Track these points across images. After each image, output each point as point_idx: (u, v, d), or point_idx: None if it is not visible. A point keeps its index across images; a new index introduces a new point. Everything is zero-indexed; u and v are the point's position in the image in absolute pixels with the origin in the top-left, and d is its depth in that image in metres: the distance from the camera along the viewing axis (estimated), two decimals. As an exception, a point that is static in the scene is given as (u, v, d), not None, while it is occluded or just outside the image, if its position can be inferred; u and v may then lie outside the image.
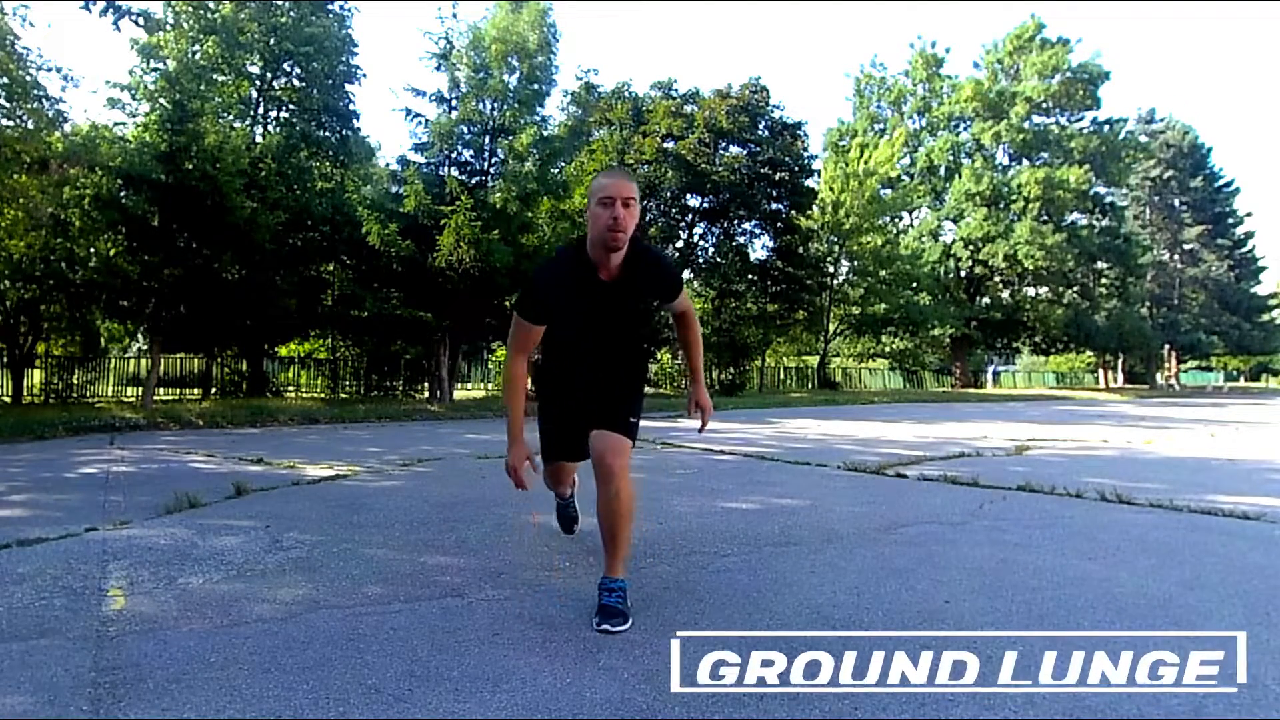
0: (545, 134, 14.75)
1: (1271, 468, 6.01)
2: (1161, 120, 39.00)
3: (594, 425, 2.31)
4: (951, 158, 30.42)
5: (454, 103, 14.69)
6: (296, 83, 16.11)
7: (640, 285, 2.29)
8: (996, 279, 30.39)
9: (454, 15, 17.30)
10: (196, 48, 14.78)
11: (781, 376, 27.44)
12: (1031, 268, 27.81)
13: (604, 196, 2.13)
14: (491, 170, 14.98)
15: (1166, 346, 37.28)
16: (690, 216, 22.74)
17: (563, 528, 3.07)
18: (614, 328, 2.34)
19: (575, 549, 2.99)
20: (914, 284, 27.00)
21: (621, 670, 1.82)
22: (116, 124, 13.96)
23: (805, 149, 23.02)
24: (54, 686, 1.71)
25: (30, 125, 10.69)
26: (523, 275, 13.79)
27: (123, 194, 12.15)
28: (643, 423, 2.41)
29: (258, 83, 15.96)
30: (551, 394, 2.49)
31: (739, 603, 2.34)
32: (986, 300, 31.13)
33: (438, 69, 14.71)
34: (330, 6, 16.20)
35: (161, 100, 13.45)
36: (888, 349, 30.46)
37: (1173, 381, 38.67)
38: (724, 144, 21.75)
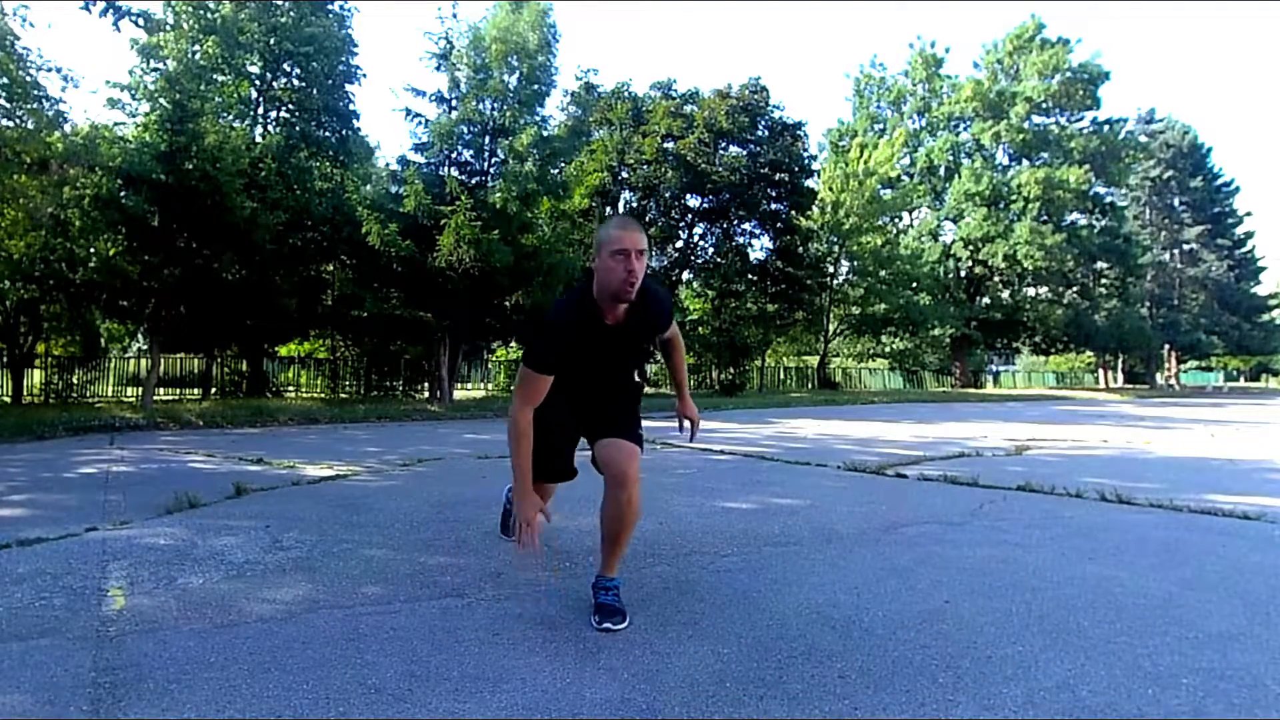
0: (545, 134, 14.75)
1: (1271, 468, 6.01)
2: (1161, 120, 39.00)
3: (603, 434, 2.30)
4: (951, 158, 30.42)
5: (454, 103, 14.69)
6: (296, 83, 16.11)
7: (642, 328, 2.30)
8: (996, 279, 30.39)
9: (454, 15, 17.28)
10: (196, 48, 14.78)
11: (781, 376, 27.44)
12: (1031, 268, 27.81)
13: (618, 249, 2.08)
14: (491, 170, 14.98)
15: (1166, 346, 37.29)
16: (690, 216, 22.74)
17: (505, 528, 2.98)
18: (614, 368, 2.36)
19: (575, 549, 2.99)
20: (914, 284, 27.00)
21: (621, 670, 1.82)
22: (116, 124, 13.97)
23: (805, 149, 23.02)
24: (54, 686, 1.71)
25: (30, 125, 10.68)
26: (522, 275, 13.79)
27: (123, 194, 12.13)
28: (643, 423, 2.42)
29: (258, 83, 15.96)
30: (543, 415, 2.27)
31: (739, 603, 2.34)
32: (986, 300, 31.12)
33: (438, 69, 14.71)
34: (330, 6, 16.20)
35: (161, 100, 13.45)
36: (888, 349, 30.48)
37: (1173, 381, 38.68)
38: (724, 144, 21.74)
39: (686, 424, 2.63)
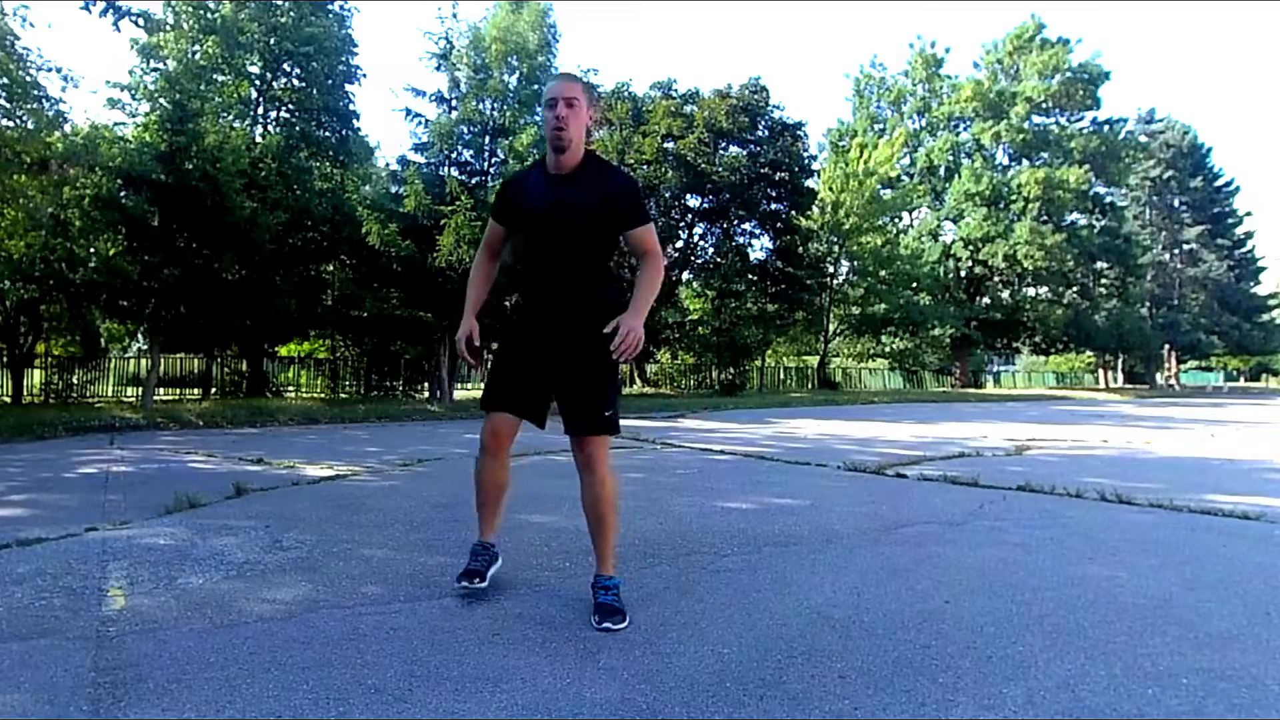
0: (545, 134, 14.77)
1: (1271, 468, 6.01)
2: (1161, 120, 39.03)
3: (571, 400, 2.29)
4: (951, 158, 30.42)
5: (454, 103, 14.71)
6: (296, 83, 16.12)
7: (595, 195, 2.25)
8: (996, 279, 30.40)
9: (454, 15, 17.31)
10: (196, 48, 14.80)
11: (781, 376, 27.44)
12: (1031, 268, 27.82)
13: (549, 98, 2.26)
14: (491, 170, 14.98)
15: (1166, 346, 37.30)
16: (690, 216, 22.74)
17: (463, 574, 2.35)
18: (572, 245, 2.28)
19: (575, 549, 2.98)
20: (914, 284, 27.01)
21: (621, 670, 1.82)
22: (116, 124, 14.00)
23: (805, 149, 23.03)
24: (54, 686, 1.71)
25: (30, 125, 10.68)
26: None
27: (123, 194, 12.14)
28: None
29: (258, 83, 15.97)
30: (516, 334, 2.43)
31: (739, 603, 2.34)
32: (986, 300, 31.13)
33: (438, 69, 14.75)
34: (330, 6, 16.22)
35: (161, 100, 13.47)
36: (888, 349, 30.48)
37: (1173, 381, 38.68)
38: (724, 144, 21.74)
39: (618, 331, 2.08)
